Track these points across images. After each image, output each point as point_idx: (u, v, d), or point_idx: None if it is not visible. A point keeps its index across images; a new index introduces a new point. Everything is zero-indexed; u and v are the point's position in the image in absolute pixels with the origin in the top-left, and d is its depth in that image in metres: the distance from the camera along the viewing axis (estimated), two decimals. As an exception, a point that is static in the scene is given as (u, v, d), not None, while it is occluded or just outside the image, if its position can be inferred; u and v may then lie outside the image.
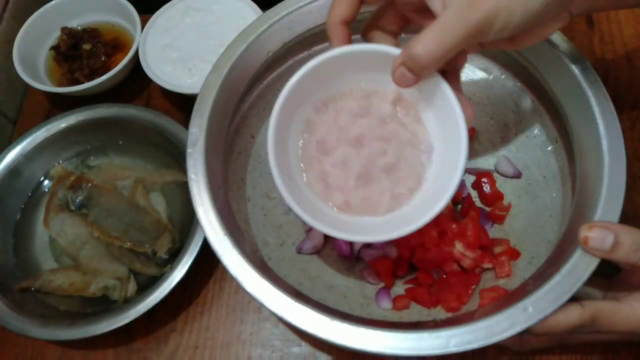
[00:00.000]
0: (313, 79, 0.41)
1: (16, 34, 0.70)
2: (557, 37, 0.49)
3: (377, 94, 0.43)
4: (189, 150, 0.46)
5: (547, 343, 0.44)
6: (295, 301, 0.41)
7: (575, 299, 0.39)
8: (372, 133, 0.42)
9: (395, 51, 0.38)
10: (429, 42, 0.35)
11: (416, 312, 0.49)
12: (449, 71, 0.40)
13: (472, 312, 0.46)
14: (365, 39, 0.44)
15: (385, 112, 0.43)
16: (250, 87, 0.55)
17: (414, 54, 0.36)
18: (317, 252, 0.54)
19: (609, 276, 0.44)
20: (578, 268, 0.40)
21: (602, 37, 0.71)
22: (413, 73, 0.37)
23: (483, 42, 0.40)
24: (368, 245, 0.53)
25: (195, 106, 0.49)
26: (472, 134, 0.58)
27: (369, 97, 0.43)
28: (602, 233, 0.39)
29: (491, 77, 0.57)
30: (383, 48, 0.40)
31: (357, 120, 0.42)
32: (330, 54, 0.40)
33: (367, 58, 0.41)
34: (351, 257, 0.53)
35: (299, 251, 0.54)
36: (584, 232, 0.40)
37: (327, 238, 0.54)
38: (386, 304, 0.50)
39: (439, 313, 0.49)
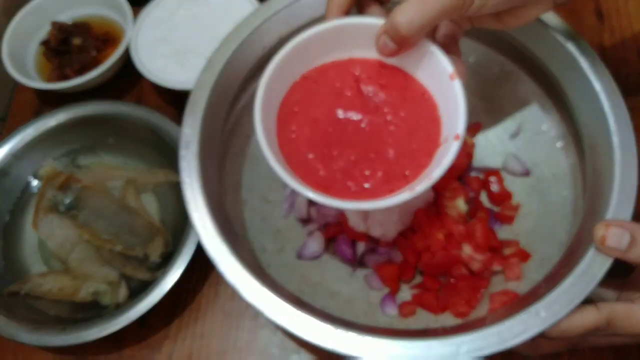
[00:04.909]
0: (301, 52, 0.42)
1: (5, 30, 0.69)
2: (566, 31, 0.48)
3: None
4: (181, 153, 0.46)
5: (560, 347, 0.43)
6: (297, 309, 0.40)
7: (588, 301, 0.39)
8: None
9: (381, 21, 0.39)
10: (409, 11, 0.36)
11: (423, 318, 0.49)
12: (448, 42, 0.42)
13: (482, 317, 0.45)
14: (361, 11, 0.44)
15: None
16: (245, 85, 0.53)
17: (396, 23, 0.37)
18: (318, 257, 0.53)
19: (622, 276, 0.43)
20: (591, 269, 0.39)
21: (612, 31, 0.71)
22: (395, 42, 0.38)
23: (469, 16, 0.41)
24: (372, 250, 0.53)
25: (188, 106, 0.48)
26: (478, 129, 0.57)
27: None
28: (619, 232, 0.39)
29: (499, 71, 0.57)
30: (369, 20, 0.41)
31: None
32: (319, 28, 0.41)
33: (356, 30, 0.41)
34: (354, 262, 0.52)
35: (299, 257, 0.53)
36: (601, 230, 0.39)
37: (329, 243, 0.54)
38: (392, 310, 0.49)
39: (447, 319, 0.48)
